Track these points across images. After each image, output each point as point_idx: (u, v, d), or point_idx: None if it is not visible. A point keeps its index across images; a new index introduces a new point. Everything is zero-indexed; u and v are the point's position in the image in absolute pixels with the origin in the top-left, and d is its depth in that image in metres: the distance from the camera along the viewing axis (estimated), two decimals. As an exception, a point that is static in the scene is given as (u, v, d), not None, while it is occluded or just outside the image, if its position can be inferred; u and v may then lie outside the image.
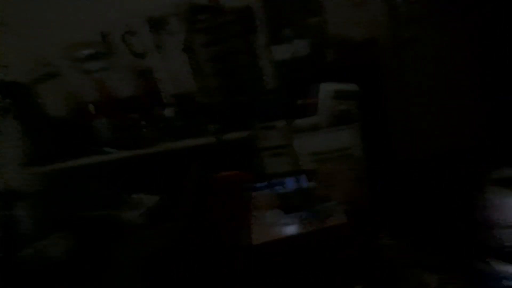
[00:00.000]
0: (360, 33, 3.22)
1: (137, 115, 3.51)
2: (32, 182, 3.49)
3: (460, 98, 3.20)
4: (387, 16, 3.19)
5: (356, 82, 2.85)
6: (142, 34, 3.51)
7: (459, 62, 3.15)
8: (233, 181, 2.60)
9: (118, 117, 3.56)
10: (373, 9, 3.20)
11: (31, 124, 3.54)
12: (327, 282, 1.51)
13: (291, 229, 1.64)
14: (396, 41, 3.22)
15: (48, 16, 3.43)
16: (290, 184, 2.02)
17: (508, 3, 2.85)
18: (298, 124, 2.93)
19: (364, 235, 1.66)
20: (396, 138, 3.30)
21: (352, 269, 1.50)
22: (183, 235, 2.18)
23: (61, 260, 2.92)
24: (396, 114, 3.33)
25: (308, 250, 1.60)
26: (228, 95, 3.35)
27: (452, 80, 3.20)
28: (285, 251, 1.60)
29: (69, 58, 3.57)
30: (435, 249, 1.60)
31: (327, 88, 2.89)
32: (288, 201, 1.86)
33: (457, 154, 3.10)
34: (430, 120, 3.32)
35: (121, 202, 3.29)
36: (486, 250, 1.11)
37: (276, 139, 3.05)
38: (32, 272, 2.83)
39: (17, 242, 3.13)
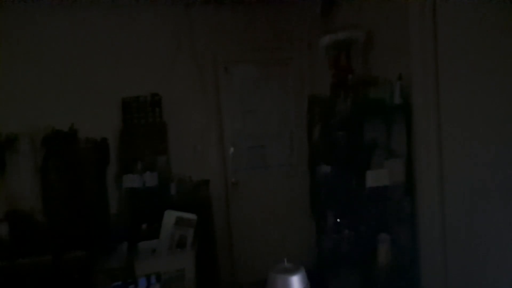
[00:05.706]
0: (197, 173, 4.01)
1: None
2: None
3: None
4: (219, 163, 4.16)
5: (194, 212, 3.46)
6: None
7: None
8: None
9: None
10: (210, 157, 4.14)
11: None
12: None
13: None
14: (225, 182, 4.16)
15: None
16: (143, 283, 2.40)
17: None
18: (140, 247, 3.25)
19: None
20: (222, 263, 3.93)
21: None
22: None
23: None
24: (223, 242, 4.03)
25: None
26: (73, 216, 3.46)
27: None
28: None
29: None
30: None
31: (170, 215, 3.39)
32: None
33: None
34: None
35: None
36: None
37: (117, 260, 3.25)
38: None
39: None
